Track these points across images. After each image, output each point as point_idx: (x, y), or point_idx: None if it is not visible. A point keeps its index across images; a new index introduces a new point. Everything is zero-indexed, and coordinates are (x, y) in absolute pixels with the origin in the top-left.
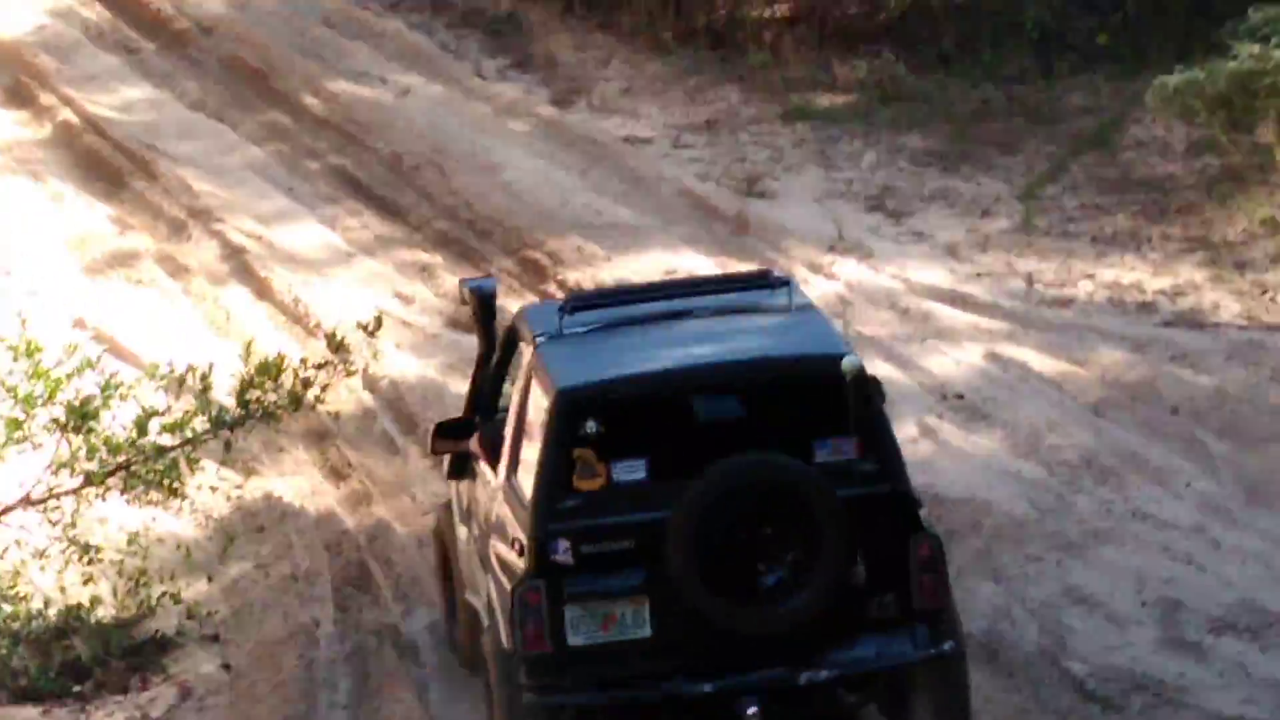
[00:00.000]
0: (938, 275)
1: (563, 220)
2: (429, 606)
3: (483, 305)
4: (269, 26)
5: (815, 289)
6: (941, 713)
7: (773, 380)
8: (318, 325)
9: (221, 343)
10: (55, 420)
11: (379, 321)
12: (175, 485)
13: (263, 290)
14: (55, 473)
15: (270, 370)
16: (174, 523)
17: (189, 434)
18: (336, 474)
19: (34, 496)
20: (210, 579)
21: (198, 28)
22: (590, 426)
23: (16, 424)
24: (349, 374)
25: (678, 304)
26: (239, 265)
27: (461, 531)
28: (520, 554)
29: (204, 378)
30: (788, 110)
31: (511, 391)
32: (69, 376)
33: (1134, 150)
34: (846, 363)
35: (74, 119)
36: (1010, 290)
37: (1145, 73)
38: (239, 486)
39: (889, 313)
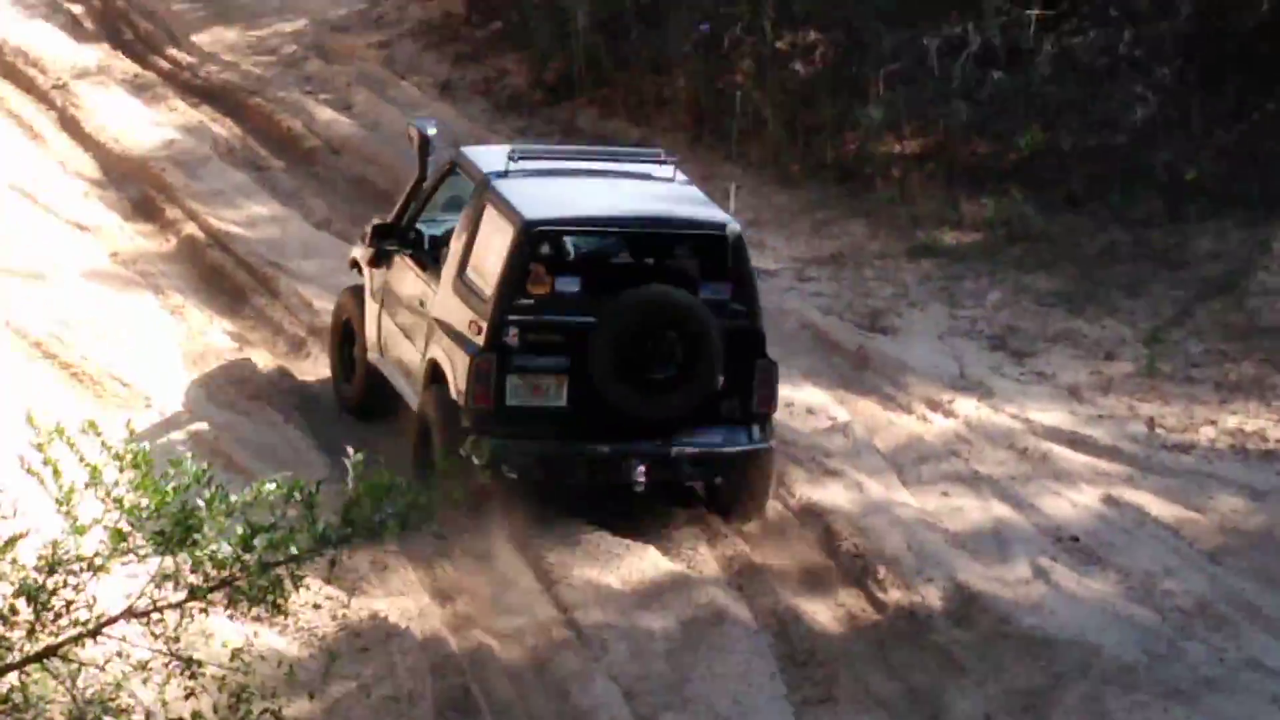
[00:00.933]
0: (1058, 417)
1: None
2: None
3: (423, 142)
4: (397, 147)
5: (934, 425)
6: (755, 489)
7: (677, 234)
8: None
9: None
10: (160, 533)
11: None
12: (279, 602)
13: None
14: (159, 585)
15: (379, 489)
16: (277, 639)
17: (294, 550)
18: (443, 595)
19: (137, 609)
20: (312, 697)
21: (327, 147)
22: (544, 249)
23: (120, 535)
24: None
25: (595, 164)
26: None
27: (372, 307)
28: (477, 333)
29: (310, 495)
30: (913, 246)
31: (462, 213)
32: (176, 490)
33: (1261, 297)
34: (730, 228)
35: (199, 234)
36: (1131, 434)
37: (1275, 219)
38: (344, 605)
39: (1007, 452)
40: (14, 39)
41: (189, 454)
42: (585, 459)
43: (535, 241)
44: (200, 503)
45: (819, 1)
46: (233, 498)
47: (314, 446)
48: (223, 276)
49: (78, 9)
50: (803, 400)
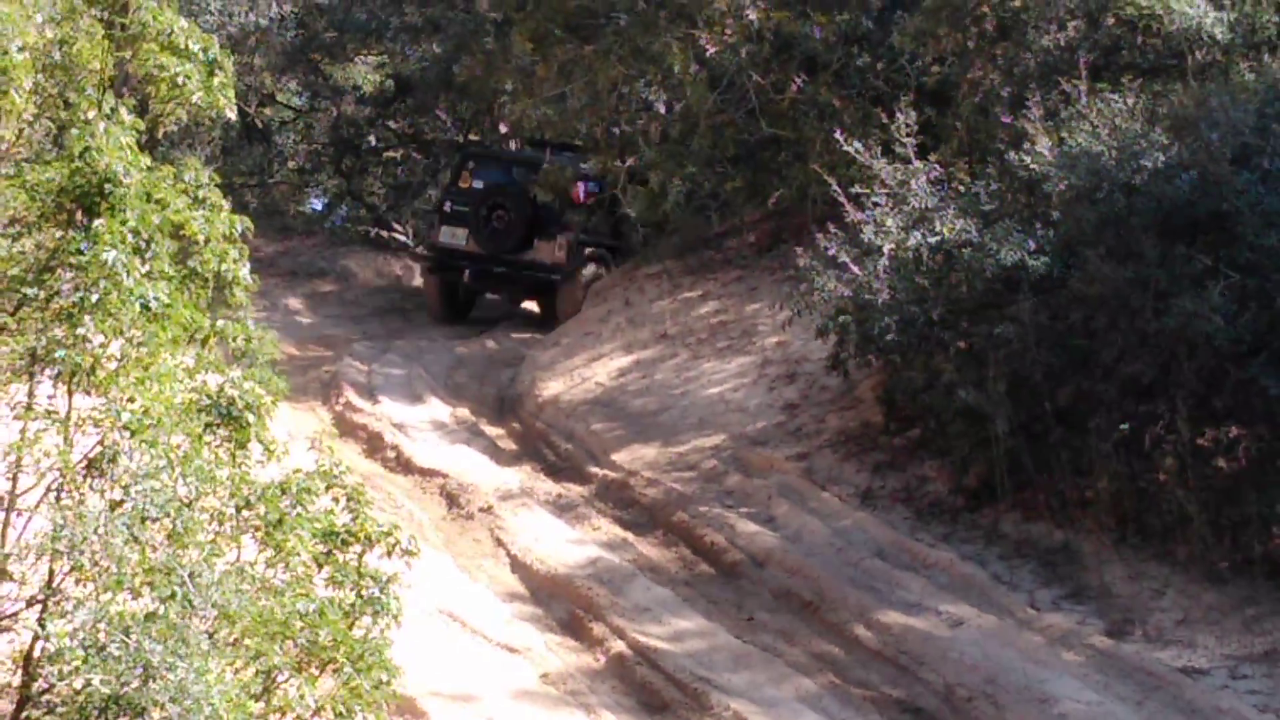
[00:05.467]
0: None
1: None
2: None
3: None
4: (822, 558)
5: None
6: (565, 302)
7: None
8: None
9: None
10: None
11: None
12: None
13: None
14: None
15: None
16: None
17: None
18: None
19: None
20: None
21: (751, 561)
22: (470, 165)
23: None
24: None
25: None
26: None
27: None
28: (438, 209)
29: None
30: None
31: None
32: None
33: None
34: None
35: (627, 651)
36: None
37: None
38: None
39: None
40: (444, 465)
41: None
42: (464, 259)
43: (464, 161)
44: None
45: (1239, 398)
46: None
47: None
48: (652, 693)
49: (497, 432)
50: None
